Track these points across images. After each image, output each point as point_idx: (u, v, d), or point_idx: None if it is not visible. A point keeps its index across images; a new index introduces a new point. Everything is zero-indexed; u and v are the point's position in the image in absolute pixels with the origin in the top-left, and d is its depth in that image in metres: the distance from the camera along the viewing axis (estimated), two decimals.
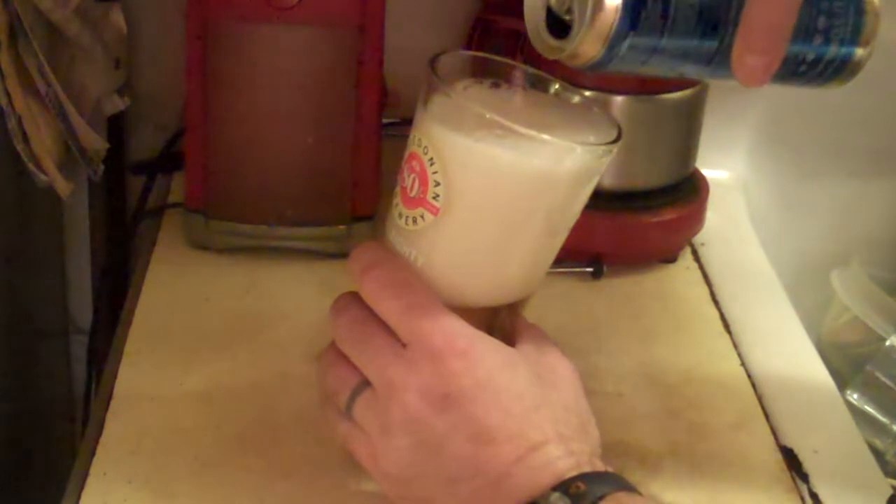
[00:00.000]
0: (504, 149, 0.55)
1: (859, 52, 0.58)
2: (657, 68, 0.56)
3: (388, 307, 0.57)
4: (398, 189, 0.58)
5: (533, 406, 0.56)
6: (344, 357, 0.58)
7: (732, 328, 0.82)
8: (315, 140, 0.80)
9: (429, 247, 0.58)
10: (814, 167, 1.05)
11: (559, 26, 0.56)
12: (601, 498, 0.52)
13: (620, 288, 0.86)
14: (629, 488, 0.54)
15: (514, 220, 0.57)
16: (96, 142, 0.88)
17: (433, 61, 0.58)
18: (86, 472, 0.64)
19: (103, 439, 0.67)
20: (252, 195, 0.84)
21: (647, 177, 0.87)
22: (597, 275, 0.86)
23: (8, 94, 0.77)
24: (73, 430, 1.09)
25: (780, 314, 0.87)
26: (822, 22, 0.56)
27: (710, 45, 0.54)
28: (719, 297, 0.86)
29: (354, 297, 0.58)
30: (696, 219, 0.90)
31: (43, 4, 0.80)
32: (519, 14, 0.84)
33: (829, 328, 1.01)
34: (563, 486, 0.53)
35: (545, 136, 0.55)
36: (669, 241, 0.89)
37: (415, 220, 0.57)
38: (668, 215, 0.87)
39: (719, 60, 0.55)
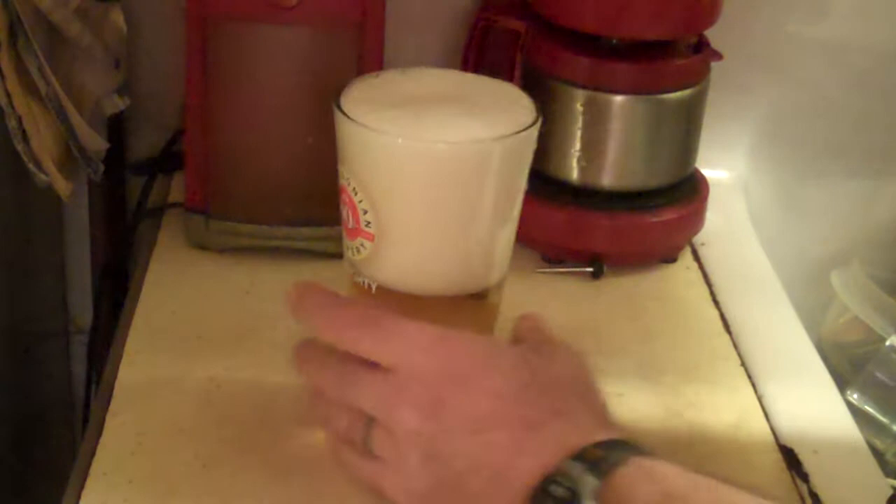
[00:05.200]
0: (415, 164, 0.57)
1: None
2: None
3: (358, 345, 0.58)
4: (342, 223, 0.60)
5: (523, 386, 0.56)
6: (341, 402, 0.59)
7: (732, 328, 0.82)
8: (315, 140, 0.80)
9: (377, 271, 0.60)
10: (814, 167, 1.05)
11: None
12: (621, 462, 0.51)
13: (620, 288, 0.86)
14: (648, 453, 0.53)
15: (445, 227, 0.59)
16: (96, 142, 0.88)
17: (339, 93, 0.60)
18: (86, 472, 0.64)
19: (103, 439, 0.67)
20: (252, 195, 0.84)
21: (647, 177, 0.87)
22: (597, 275, 0.86)
23: (8, 94, 0.77)
24: (73, 430, 1.09)
25: (780, 314, 0.87)
26: None
27: None
28: (719, 297, 0.86)
29: (312, 345, 0.60)
30: (696, 219, 0.90)
31: (43, 4, 0.80)
32: (519, 14, 0.85)
33: (829, 328, 1.01)
34: (578, 455, 0.52)
35: (458, 139, 0.56)
36: (669, 241, 0.89)
37: (358, 250, 0.60)
38: (668, 215, 0.87)
39: None
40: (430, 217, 0.59)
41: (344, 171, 0.60)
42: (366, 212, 0.59)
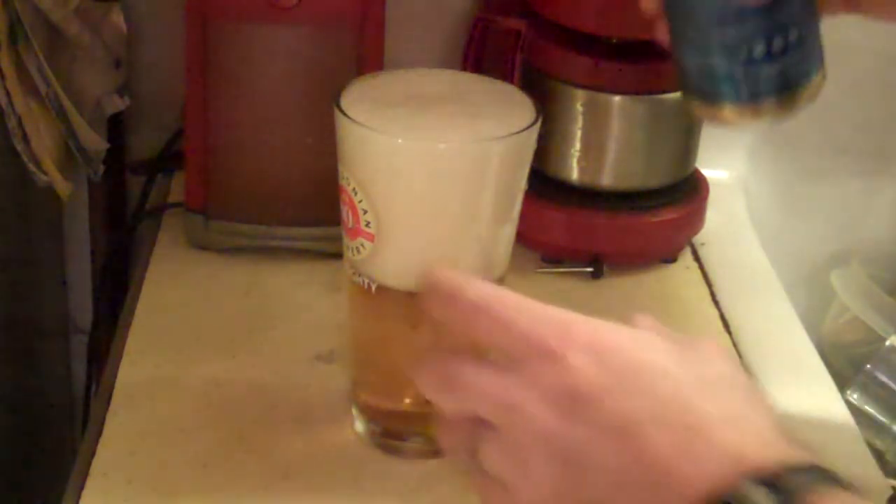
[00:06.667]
0: (415, 164, 0.57)
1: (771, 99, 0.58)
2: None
3: (483, 327, 0.49)
4: (341, 223, 0.60)
5: (681, 383, 0.46)
6: (450, 411, 0.50)
7: (732, 328, 0.82)
8: (315, 140, 0.80)
9: (377, 271, 0.60)
10: (814, 167, 1.05)
11: None
12: (813, 494, 0.42)
13: (620, 288, 0.86)
14: (845, 485, 0.43)
15: (445, 226, 0.59)
16: (96, 142, 0.88)
17: (338, 94, 0.60)
18: (86, 472, 0.64)
19: (103, 439, 0.67)
20: (252, 195, 0.84)
21: (647, 177, 0.87)
22: (597, 275, 0.86)
23: (8, 94, 0.77)
24: (73, 430, 1.09)
25: (780, 314, 0.87)
26: (777, 43, 0.56)
27: None
28: (719, 297, 0.86)
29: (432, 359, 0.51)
30: (696, 219, 0.90)
31: (43, 4, 0.80)
32: (519, 14, 0.85)
33: (829, 328, 1.01)
34: (761, 479, 0.42)
35: (458, 139, 0.57)
36: (669, 241, 0.89)
37: (358, 250, 0.60)
38: (668, 215, 0.87)
39: None
40: (430, 217, 0.59)
41: (344, 171, 0.60)
42: (366, 212, 0.59)
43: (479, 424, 0.48)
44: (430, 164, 0.58)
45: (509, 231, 0.62)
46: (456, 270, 0.52)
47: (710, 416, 0.45)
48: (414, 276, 0.60)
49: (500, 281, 0.63)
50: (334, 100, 0.59)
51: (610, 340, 0.48)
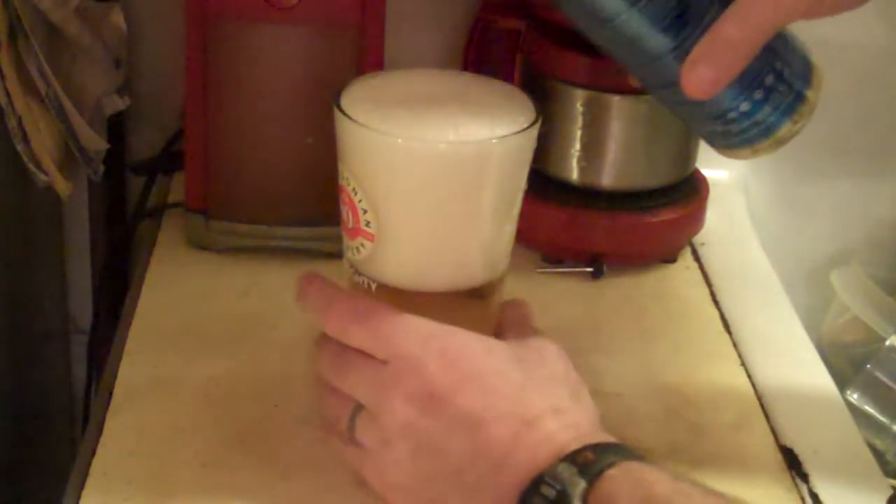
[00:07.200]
0: (415, 164, 0.57)
1: (786, 126, 0.59)
2: (608, 39, 0.56)
3: (356, 337, 0.59)
4: (341, 223, 0.60)
5: (519, 384, 0.57)
6: (335, 389, 0.60)
7: (732, 328, 0.82)
8: (315, 140, 0.80)
9: (377, 271, 0.60)
10: (814, 167, 1.05)
11: None
12: (610, 466, 0.52)
13: (620, 288, 0.86)
14: (638, 457, 0.53)
15: (446, 226, 0.59)
16: (96, 142, 0.88)
17: (337, 94, 0.60)
18: (86, 472, 0.64)
19: (103, 439, 0.67)
20: (252, 195, 0.84)
21: (647, 177, 0.87)
22: (597, 275, 0.86)
23: (8, 94, 0.77)
24: (73, 430, 1.09)
25: (780, 314, 0.87)
26: (769, 80, 0.57)
27: (669, 40, 0.55)
28: (719, 297, 0.86)
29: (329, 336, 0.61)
30: (696, 219, 0.90)
31: (43, 4, 0.80)
32: (519, 14, 0.85)
33: (829, 328, 1.01)
34: (570, 457, 0.53)
35: (460, 140, 0.57)
36: (669, 241, 0.89)
37: (358, 250, 0.61)
38: (668, 215, 0.87)
39: (667, 61, 0.55)
40: (431, 217, 0.59)
41: (344, 170, 0.60)
42: (366, 211, 0.59)
43: (358, 403, 0.58)
44: (430, 164, 0.58)
45: (509, 230, 0.62)
46: (331, 284, 0.61)
47: (540, 410, 0.55)
48: (414, 276, 0.60)
49: (501, 281, 0.63)
50: (334, 99, 0.59)
51: (461, 349, 0.57)
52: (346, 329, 0.59)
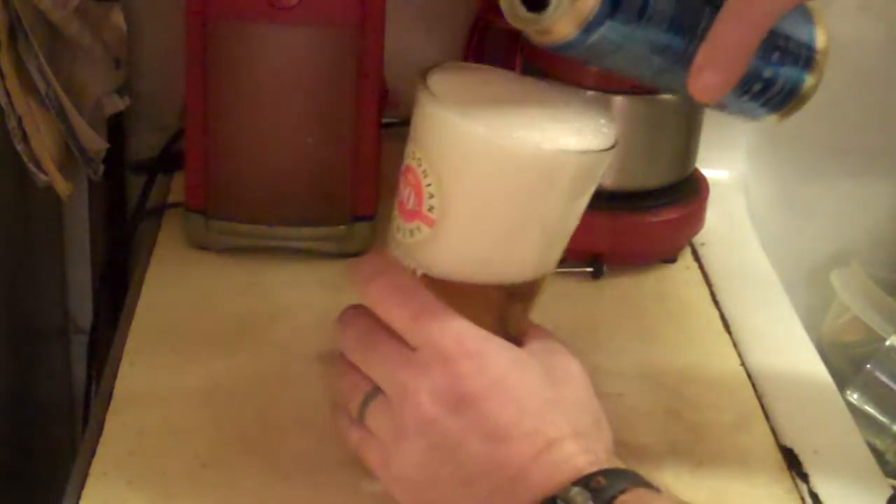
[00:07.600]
0: (497, 160, 0.56)
1: (809, 80, 0.58)
2: (616, 65, 0.56)
3: (395, 314, 0.57)
4: (396, 202, 0.59)
5: (547, 403, 0.55)
6: (354, 366, 0.58)
7: (732, 328, 0.82)
8: (315, 140, 0.80)
9: (428, 258, 0.58)
10: (814, 167, 1.05)
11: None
12: (622, 492, 0.51)
13: (620, 288, 0.86)
14: (649, 485, 0.53)
15: (510, 228, 0.58)
16: (96, 142, 0.88)
17: (424, 73, 0.58)
18: (86, 472, 0.64)
19: (103, 439, 0.67)
20: (252, 195, 0.84)
21: (647, 177, 0.87)
22: (597, 275, 0.86)
23: (8, 94, 0.77)
24: (73, 430, 1.09)
25: (780, 314, 0.87)
26: (781, 43, 0.56)
27: (676, 50, 0.54)
28: (719, 297, 0.86)
29: (359, 308, 0.59)
30: (696, 219, 0.90)
31: (43, 4, 0.80)
32: None
33: (829, 328, 1.01)
34: (583, 482, 0.52)
35: (542, 146, 0.56)
36: (669, 241, 0.89)
37: (412, 233, 0.58)
38: (668, 215, 0.87)
39: (678, 70, 0.55)
40: (497, 215, 0.57)
41: (417, 151, 0.58)
42: (432, 196, 0.57)
43: (375, 386, 0.57)
44: (514, 163, 0.56)
45: (564, 241, 0.61)
46: (386, 258, 0.58)
47: (563, 431, 0.54)
48: (465, 268, 0.59)
49: (544, 282, 0.62)
50: (420, 77, 0.58)
51: (493, 356, 0.56)
52: (386, 301, 0.57)
